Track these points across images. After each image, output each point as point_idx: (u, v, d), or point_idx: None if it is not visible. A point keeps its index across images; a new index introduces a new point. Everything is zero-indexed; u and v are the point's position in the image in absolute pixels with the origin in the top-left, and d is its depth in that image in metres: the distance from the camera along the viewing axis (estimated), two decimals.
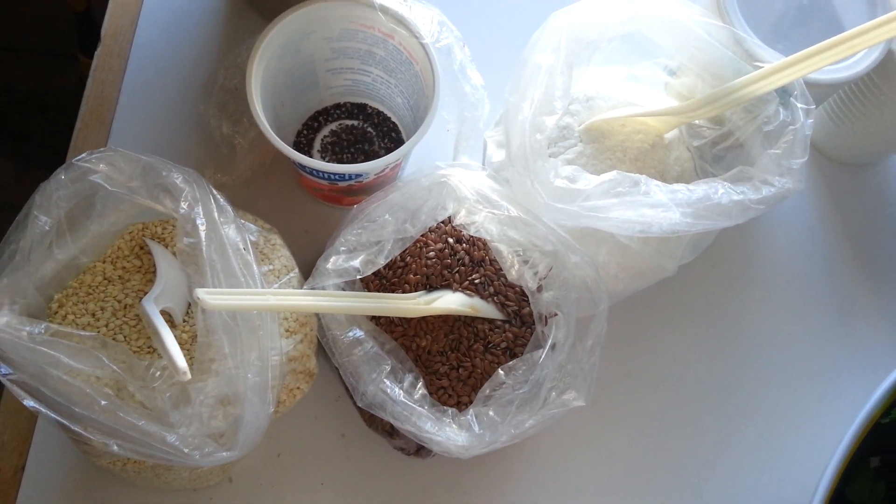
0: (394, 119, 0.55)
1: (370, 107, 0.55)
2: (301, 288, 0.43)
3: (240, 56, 0.48)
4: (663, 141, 0.48)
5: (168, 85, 0.53)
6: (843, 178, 0.58)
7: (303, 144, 0.54)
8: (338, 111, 0.55)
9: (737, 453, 0.51)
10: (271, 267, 0.42)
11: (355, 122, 0.55)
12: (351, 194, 0.50)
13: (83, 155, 0.37)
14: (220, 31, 0.55)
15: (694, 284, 0.54)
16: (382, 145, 0.55)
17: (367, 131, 0.55)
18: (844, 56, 0.38)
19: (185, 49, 0.54)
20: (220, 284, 0.36)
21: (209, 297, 0.33)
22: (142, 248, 0.42)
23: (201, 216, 0.37)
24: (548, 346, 0.40)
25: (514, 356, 0.44)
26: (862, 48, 0.37)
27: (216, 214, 0.37)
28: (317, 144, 0.54)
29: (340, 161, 0.54)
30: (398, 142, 0.55)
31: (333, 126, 0.55)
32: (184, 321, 0.41)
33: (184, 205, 0.37)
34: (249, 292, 0.36)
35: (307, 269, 0.49)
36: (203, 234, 0.36)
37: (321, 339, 0.40)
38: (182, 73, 0.54)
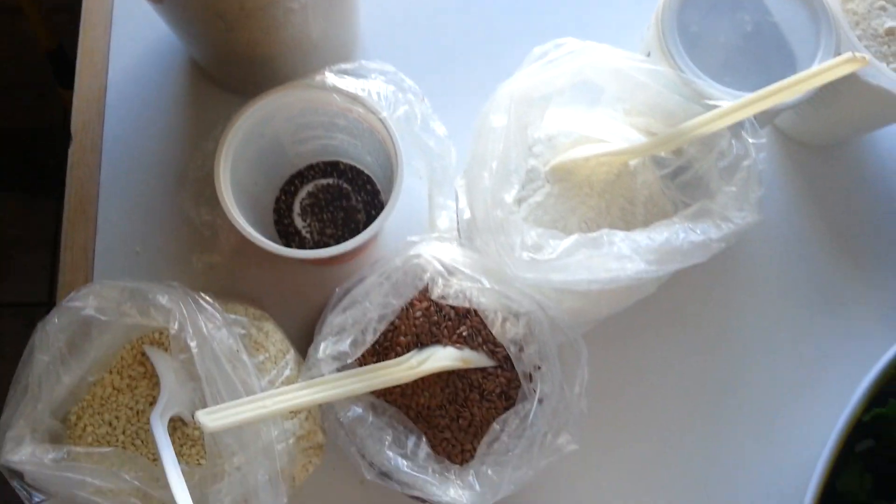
0: (367, 172, 0.56)
1: (343, 163, 0.56)
2: (298, 368, 0.45)
3: (206, 147, 0.49)
4: (629, 168, 0.49)
5: (144, 175, 0.55)
6: (812, 161, 0.58)
7: (283, 210, 0.56)
8: (312, 172, 0.56)
9: (736, 451, 0.53)
10: (267, 355, 0.45)
11: (330, 181, 0.56)
12: (335, 259, 0.52)
13: (71, 294, 0.39)
14: (186, 113, 0.56)
15: (676, 291, 0.55)
16: (360, 199, 0.56)
17: (343, 187, 0.56)
18: (793, 97, 0.39)
19: (156, 136, 0.56)
20: (219, 396, 0.39)
21: (209, 419, 0.36)
22: (144, 354, 0.44)
23: (191, 333, 0.39)
24: (535, 402, 0.42)
25: (508, 398, 0.47)
26: (810, 88, 0.38)
27: (204, 328, 0.40)
28: (296, 208, 0.56)
29: (321, 221, 0.56)
30: (374, 193, 0.56)
31: (310, 187, 0.56)
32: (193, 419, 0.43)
33: (174, 325, 0.39)
34: (247, 401, 0.38)
35: (303, 334, 0.52)
36: (195, 352, 0.39)
37: (323, 424, 0.43)
38: (156, 162, 0.55)
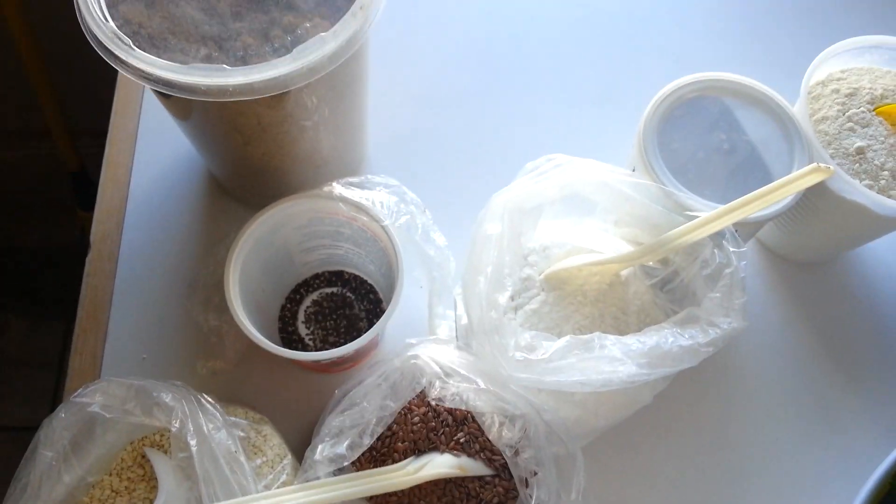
0: (370, 282, 0.59)
1: (347, 273, 0.59)
2: (295, 474, 0.45)
3: (218, 254, 0.52)
4: (620, 278, 0.51)
5: (157, 283, 0.57)
6: (801, 277, 0.60)
7: (287, 318, 0.57)
8: (317, 281, 0.59)
9: None
10: (264, 459, 0.45)
11: (335, 290, 0.59)
12: (336, 365, 0.53)
13: (80, 390, 0.41)
14: (202, 224, 0.60)
15: (673, 403, 0.56)
16: (363, 307, 0.58)
17: (347, 296, 0.58)
18: (770, 204, 0.41)
19: (171, 246, 0.59)
20: (215, 497, 0.39)
21: None
22: (144, 457, 0.45)
23: (191, 432, 0.40)
24: None
25: None
26: (781, 198, 0.41)
27: (205, 427, 0.40)
28: (300, 316, 0.58)
29: (324, 329, 0.57)
30: (376, 302, 0.58)
31: (314, 296, 0.58)
32: None
33: (175, 423, 0.40)
34: (241, 502, 0.38)
35: (302, 441, 0.52)
36: (195, 450, 0.39)
37: None
38: (169, 270, 0.58)
